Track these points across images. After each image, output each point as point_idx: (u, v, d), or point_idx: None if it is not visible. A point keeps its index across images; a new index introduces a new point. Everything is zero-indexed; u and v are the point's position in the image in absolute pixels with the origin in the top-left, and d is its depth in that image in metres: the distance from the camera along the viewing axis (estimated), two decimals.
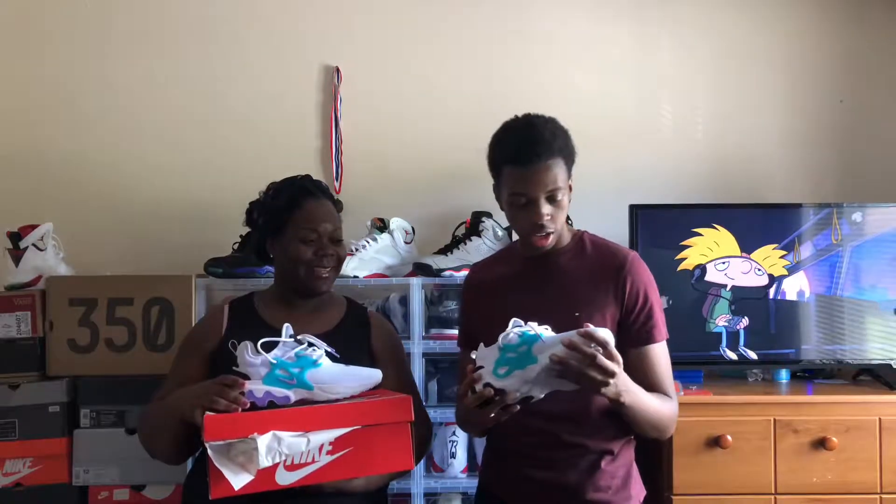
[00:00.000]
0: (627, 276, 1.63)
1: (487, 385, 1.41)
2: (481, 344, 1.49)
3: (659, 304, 1.67)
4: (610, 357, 1.40)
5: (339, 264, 1.83)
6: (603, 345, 1.40)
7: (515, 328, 1.44)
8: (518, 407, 1.44)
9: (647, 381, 1.61)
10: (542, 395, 1.45)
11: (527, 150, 1.57)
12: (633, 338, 1.63)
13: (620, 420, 1.59)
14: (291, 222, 1.79)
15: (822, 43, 2.78)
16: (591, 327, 1.41)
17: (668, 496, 2.15)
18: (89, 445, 2.24)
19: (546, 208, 1.58)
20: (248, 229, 2.00)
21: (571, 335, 1.40)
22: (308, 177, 1.88)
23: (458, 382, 1.51)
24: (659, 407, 1.60)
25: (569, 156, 1.62)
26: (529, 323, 1.45)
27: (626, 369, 1.56)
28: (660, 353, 1.66)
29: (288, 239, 1.79)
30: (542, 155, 1.56)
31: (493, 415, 1.43)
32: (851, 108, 2.77)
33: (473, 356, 1.48)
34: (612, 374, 1.40)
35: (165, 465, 1.75)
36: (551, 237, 1.62)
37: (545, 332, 1.44)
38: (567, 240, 1.70)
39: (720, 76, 2.78)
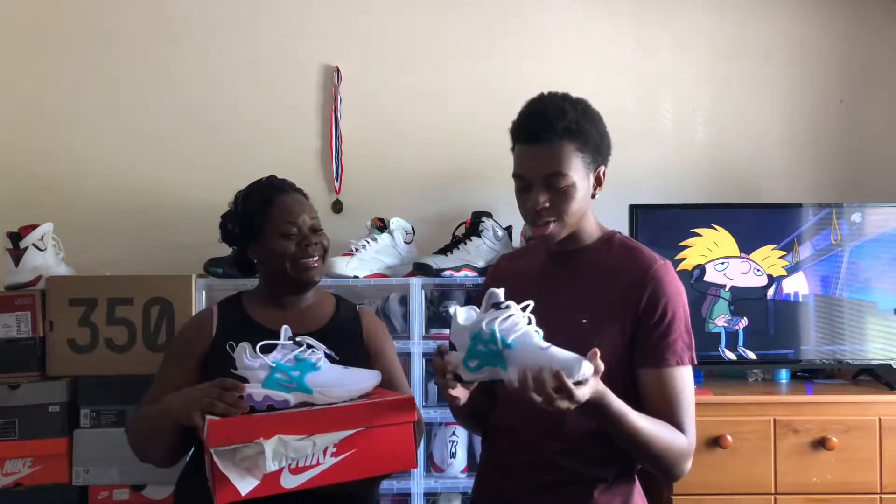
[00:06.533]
0: (647, 286, 1.42)
1: (456, 377, 1.32)
2: (460, 315, 1.36)
3: (683, 323, 1.43)
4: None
5: (325, 253, 1.80)
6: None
7: (490, 318, 1.29)
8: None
9: (655, 412, 1.38)
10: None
11: (527, 128, 1.44)
12: (642, 356, 1.42)
13: (612, 441, 1.38)
14: (268, 221, 1.75)
15: (822, 43, 2.78)
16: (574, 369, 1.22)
17: (668, 496, 2.15)
18: (89, 445, 2.24)
19: (543, 195, 1.41)
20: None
21: (537, 364, 1.23)
22: (273, 176, 1.85)
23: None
24: (655, 433, 1.35)
25: (584, 140, 1.43)
26: (510, 304, 1.30)
27: (637, 394, 1.42)
28: (675, 381, 1.40)
29: (268, 238, 1.75)
30: (542, 134, 1.40)
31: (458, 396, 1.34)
32: (851, 108, 2.78)
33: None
34: (574, 400, 1.21)
35: None
36: (551, 226, 1.43)
37: (524, 327, 1.29)
38: (594, 238, 1.52)
39: (720, 76, 2.78)
